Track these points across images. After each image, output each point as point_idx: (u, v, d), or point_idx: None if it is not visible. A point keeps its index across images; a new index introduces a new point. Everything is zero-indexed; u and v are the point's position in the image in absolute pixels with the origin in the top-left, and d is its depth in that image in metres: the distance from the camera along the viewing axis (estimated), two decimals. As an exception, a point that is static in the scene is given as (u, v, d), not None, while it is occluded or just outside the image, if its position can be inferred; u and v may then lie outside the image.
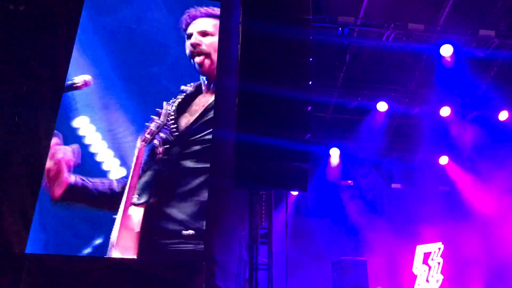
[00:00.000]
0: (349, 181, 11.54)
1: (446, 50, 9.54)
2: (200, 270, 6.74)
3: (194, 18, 8.33)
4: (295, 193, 10.75)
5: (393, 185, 11.61)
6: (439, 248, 10.85)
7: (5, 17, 7.82)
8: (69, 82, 7.72)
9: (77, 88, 7.74)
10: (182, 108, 7.72)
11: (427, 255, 10.94)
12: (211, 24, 8.36)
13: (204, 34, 8.22)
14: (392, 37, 9.46)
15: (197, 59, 8.01)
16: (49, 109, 7.48)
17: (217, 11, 8.45)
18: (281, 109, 7.06)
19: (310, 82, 7.23)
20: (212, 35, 8.26)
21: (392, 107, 10.69)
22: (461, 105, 10.66)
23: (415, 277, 10.92)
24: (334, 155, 11.30)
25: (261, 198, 8.14)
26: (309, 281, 10.00)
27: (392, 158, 11.38)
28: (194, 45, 8.07)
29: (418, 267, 10.96)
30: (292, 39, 7.25)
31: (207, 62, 8.04)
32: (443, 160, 11.38)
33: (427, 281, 10.74)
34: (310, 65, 7.27)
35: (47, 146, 7.25)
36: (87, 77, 7.79)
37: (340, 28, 9.27)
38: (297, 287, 9.70)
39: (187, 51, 8.09)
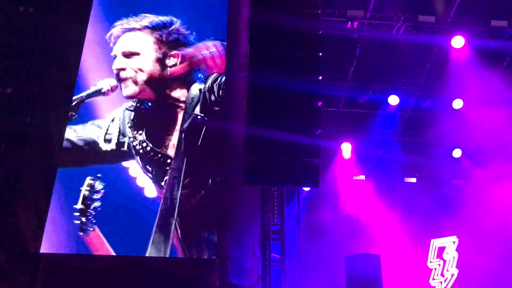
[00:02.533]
0: (362, 176, 11.47)
1: (458, 42, 9.43)
2: (213, 266, 6.75)
3: (117, 37, 7.78)
4: (307, 188, 10.72)
5: (406, 179, 11.52)
6: (454, 242, 10.75)
7: (15, 19, 7.89)
8: (94, 87, 7.48)
9: (103, 94, 7.43)
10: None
11: (441, 249, 10.85)
12: (136, 41, 7.73)
13: (128, 55, 7.62)
14: (403, 30, 9.37)
15: (123, 85, 7.43)
16: (61, 111, 7.53)
17: (145, 20, 7.88)
18: (291, 105, 7.05)
19: (320, 77, 7.20)
20: (137, 54, 7.61)
21: (403, 100, 10.61)
22: (474, 97, 10.53)
23: (429, 271, 10.85)
24: (346, 149, 11.24)
25: (273, 194, 8.13)
26: (322, 276, 9.97)
27: (404, 152, 11.28)
28: (118, 70, 7.48)
29: (432, 261, 10.88)
30: (301, 34, 7.23)
31: (131, 86, 7.45)
32: (457, 153, 11.27)
33: (442, 275, 10.66)
34: (319, 59, 7.24)
35: (60, 147, 7.30)
36: (113, 82, 7.46)
37: (349, 22, 9.21)
38: (310, 283, 9.68)
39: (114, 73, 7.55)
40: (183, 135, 7.28)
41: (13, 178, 7.10)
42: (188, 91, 7.54)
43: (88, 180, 7.08)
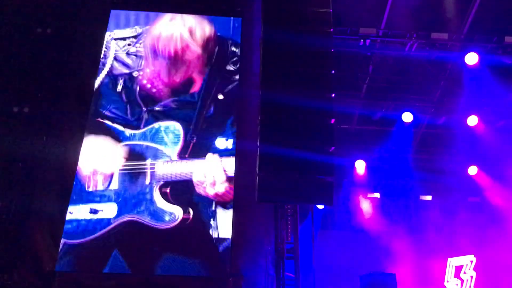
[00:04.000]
0: (376, 194, 11.36)
1: (471, 59, 9.39)
2: (227, 286, 6.70)
3: None
4: (321, 206, 10.64)
5: (422, 197, 11.37)
6: (471, 261, 10.55)
7: (32, 40, 8.06)
8: None
9: None
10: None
11: (458, 268, 10.65)
12: None
13: None
14: (415, 47, 9.36)
15: None
16: (76, 129, 7.63)
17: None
18: (304, 122, 7.05)
19: (333, 95, 7.20)
20: None
21: (417, 117, 10.54)
22: (489, 114, 10.43)
23: (447, 291, 10.64)
24: (360, 167, 11.16)
25: (286, 212, 8.08)
26: (337, 296, 9.84)
27: (419, 169, 11.17)
28: None
29: (450, 280, 10.67)
30: (313, 52, 7.27)
31: None
32: (472, 170, 11.12)
33: (460, 295, 10.45)
34: (332, 77, 7.26)
35: (75, 165, 7.37)
36: None
37: (361, 40, 9.23)
38: (325, 302, 9.55)
39: None
40: None
41: (29, 197, 7.18)
42: None
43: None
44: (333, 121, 7.09)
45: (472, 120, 10.45)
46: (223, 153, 7.97)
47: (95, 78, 8.03)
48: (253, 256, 7.27)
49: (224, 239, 7.36)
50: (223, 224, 7.44)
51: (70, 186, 7.38)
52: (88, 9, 8.43)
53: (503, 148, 10.37)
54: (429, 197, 11.32)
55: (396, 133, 10.84)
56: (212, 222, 7.46)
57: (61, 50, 8.01)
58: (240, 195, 7.20)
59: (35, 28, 8.16)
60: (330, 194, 6.88)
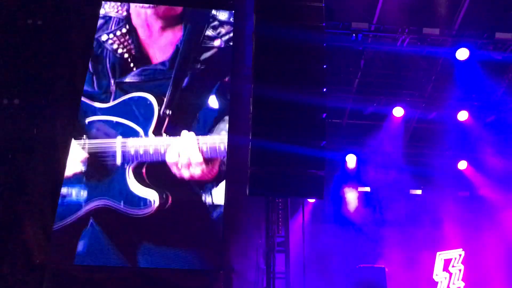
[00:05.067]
0: (367, 188, 11.42)
1: (462, 54, 9.44)
2: (218, 279, 6.73)
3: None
4: (312, 200, 10.69)
5: (412, 191, 11.45)
6: (460, 255, 10.66)
7: (23, 32, 7.98)
8: None
9: None
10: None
11: (447, 262, 10.76)
12: None
13: None
14: (407, 42, 9.39)
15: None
16: (67, 122, 7.58)
17: None
18: (296, 116, 7.06)
19: (325, 89, 7.22)
20: None
21: (408, 112, 10.59)
22: (479, 109, 10.51)
23: (435, 284, 10.74)
24: (351, 161, 11.21)
25: (277, 206, 8.12)
26: (327, 289, 9.90)
27: (410, 164, 11.24)
28: None
29: (438, 274, 10.79)
30: (305, 46, 7.26)
31: None
32: (462, 165, 11.22)
33: (448, 288, 10.56)
34: (324, 72, 7.27)
35: (65, 159, 7.33)
36: None
37: (354, 34, 9.24)
38: (315, 295, 9.61)
39: None
40: None
41: (19, 189, 7.14)
42: None
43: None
44: (324, 115, 7.11)
45: (463, 115, 10.52)
46: (202, 131, 7.35)
47: (87, 70, 7.93)
48: (244, 250, 7.30)
49: (211, 222, 7.06)
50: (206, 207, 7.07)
51: (61, 178, 7.33)
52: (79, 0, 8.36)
53: (493, 143, 10.46)
54: (419, 191, 11.40)
55: (387, 127, 10.89)
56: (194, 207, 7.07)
57: (52, 41, 7.93)
58: (231, 189, 7.21)
59: (26, 20, 8.08)
60: (321, 188, 6.92)
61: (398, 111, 10.55)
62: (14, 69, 7.71)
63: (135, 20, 7.90)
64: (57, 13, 8.17)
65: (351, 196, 10.97)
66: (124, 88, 7.68)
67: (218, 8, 8.49)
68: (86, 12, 8.35)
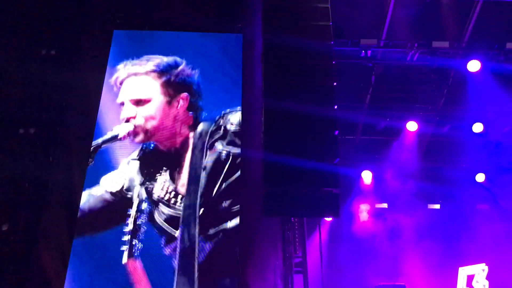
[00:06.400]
0: (384, 204, 11.30)
1: (473, 66, 9.39)
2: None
3: (122, 82, 7.66)
4: (329, 219, 10.60)
5: (430, 206, 11.30)
6: (483, 270, 10.42)
7: (37, 61, 8.15)
8: (111, 133, 7.47)
9: (119, 139, 7.45)
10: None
11: (470, 278, 10.52)
12: (144, 87, 7.54)
13: (137, 102, 7.52)
14: (417, 56, 9.39)
15: (133, 133, 7.41)
16: (82, 148, 7.67)
17: (150, 64, 7.73)
18: (308, 134, 7.06)
19: (336, 106, 7.22)
20: (147, 101, 7.49)
21: (422, 126, 10.52)
22: (493, 120, 10.40)
23: (460, 300, 10.50)
24: (367, 177, 11.13)
25: (294, 226, 8.06)
26: (347, 309, 9.75)
27: (427, 178, 11.12)
28: (128, 119, 7.43)
29: (463, 290, 10.55)
30: (314, 65, 7.30)
31: (142, 133, 7.43)
32: (480, 177, 11.06)
33: (473, 304, 10.31)
34: (334, 89, 7.28)
35: (81, 185, 7.40)
36: (130, 127, 7.42)
37: (363, 51, 9.27)
38: (335, 315, 9.46)
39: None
40: (203, 172, 7.25)
41: (36, 218, 7.20)
42: (195, 129, 7.60)
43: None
44: (336, 132, 7.09)
45: (477, 127, 10.41)
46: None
47: (99, 97, 8.03)
48: (261, 271, 7.23)
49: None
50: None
51: (76, 206, 7.38)
52: (91, 29, 8.52)
53: (509, 154, 10.32)
54: (437, 206, 11.25)
55: (402, 142, 10.82)
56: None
57: (66, 71, 8.08)
58: (246, 208, 7.18)
59: (40, 50, 8.26)
60: (337, 206, 6.85)
61: (412, 126, 10.49)
62: (29, 99, 7.86)
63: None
64: (70, 43, 8.33)
65: (363, 209, 10.93)
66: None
67: (227, 32, 8.60)
68: (98, 41, 8.50)
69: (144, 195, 7.21)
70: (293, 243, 7.95)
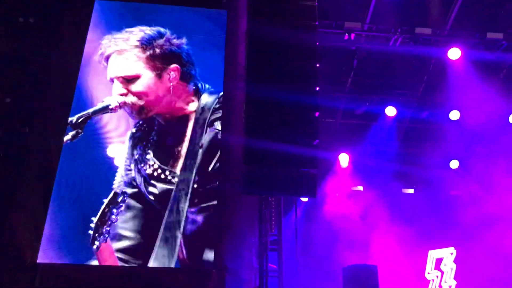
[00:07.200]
0: (360, 187, 11.48)
1: (454, 54, 9.51)
2: (210, 277, 6.73)
3: (108, 58, 7.32)
4: (305, 199, 10.72)
5: (404, 190, 11.52)
6: (452, 253, 10.73)
7: (15, 30, 7.94)
8: (102, 104, 7.20)
9: (111, 111, 7.17)
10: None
11: (439, 261, 10.83)
12: (131, 63, 7.25)
13: (127, 80, 7.23)
14: (400, 42, 9.45)
15: (127, 109, 7.15)
16: (59, 120, 7.54)
17: (133, 39, 7.39)
18: (289, 115, 7.08)
19: (318, 88, 7.25)
20: (137, 77, 7.23)
21: (401, 112, 10.65)
22: (471, 108, 10.59)
23: (427, 282, 10.81)
24: (344, 160, 11.26)
25: (271, 205, 8.14)
26: (320, 287, 9.94)
27: (402, 163, 11.30)
28: (121, 96, 7.15)
29: (430, 272, 10.85)
30: (298, 45, 7.29)
31: (137, 110, 7.18)
32: (454, 164, 11.30)
33: (440, 286, 10.62)
34: (317, 71, 7.30)
35: (57, 156, 7.30)
36: (121, 98, 7.17)
37: (346, 34, 9.28)
38: (308, 294, 9.64)
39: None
40: (200, 150, 7.16)
41: (10, 188, 7.11)
42: (198, 101, 7.40)
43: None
44: (317, 114, 7.14)
45: (455, 115, 10.59)
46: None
47: (79, 69, 7.87)
48: (237, 248, 7.30)
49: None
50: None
51: (53, 178, 7.29)
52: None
53: (484, 142, 10.54)
54: (411, 190, 11.48)
55: (380, 127, 10.95)
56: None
57: (45, 40, 7.89)
58: (224, 187, 7.21)
59: (17, 18, 8.03)
60: (314, 186, 6.95)
61: (390, 111, 10.61)
62: (6, 67, 7.67)
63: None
64: (50, 11, 8.13)
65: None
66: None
67: (211, 7, 8.44)
68: (80, 11, 8.31)
69: (136, 168, 7.11)
70: (270, 222, 8.04)
